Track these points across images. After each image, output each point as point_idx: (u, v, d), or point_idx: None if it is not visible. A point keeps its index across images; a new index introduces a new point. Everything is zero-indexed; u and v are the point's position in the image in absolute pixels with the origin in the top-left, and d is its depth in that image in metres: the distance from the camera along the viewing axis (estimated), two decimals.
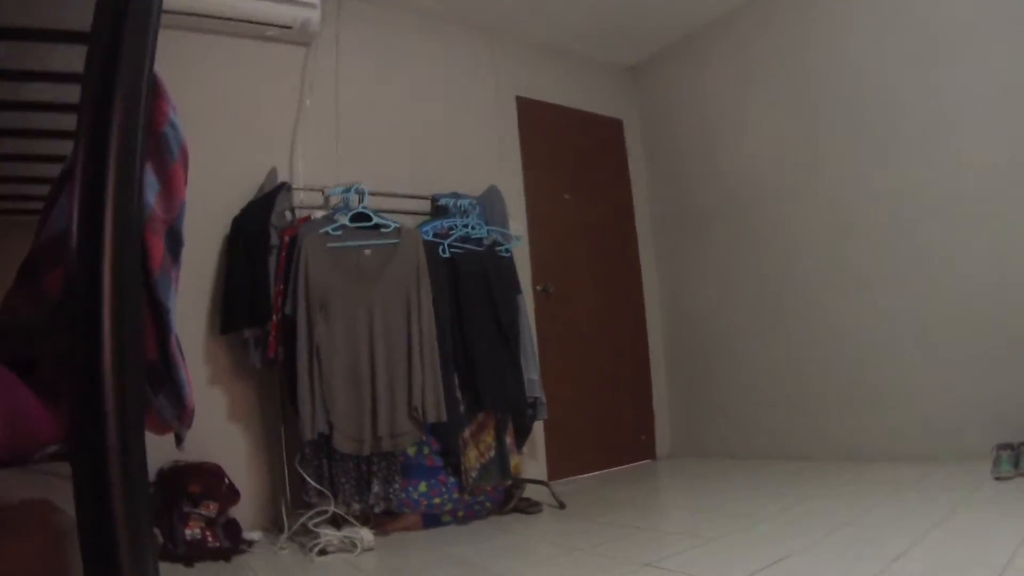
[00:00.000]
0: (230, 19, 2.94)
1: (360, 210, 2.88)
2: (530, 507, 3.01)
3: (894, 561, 1.76)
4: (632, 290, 4.49)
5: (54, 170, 1.29)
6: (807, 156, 3.70)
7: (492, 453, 3.03)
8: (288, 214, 2.93)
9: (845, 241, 3.51)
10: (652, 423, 4.39)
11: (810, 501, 2.67)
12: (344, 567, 2.30)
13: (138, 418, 0.63)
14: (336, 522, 2.62)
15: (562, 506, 3.04)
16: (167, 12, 2.32)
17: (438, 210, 3.30)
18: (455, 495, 2.88)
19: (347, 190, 2.94)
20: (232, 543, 2.45)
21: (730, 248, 4.11)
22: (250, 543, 2.55)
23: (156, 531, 2.25)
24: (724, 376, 4.13)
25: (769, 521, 2.41)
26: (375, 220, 2.88)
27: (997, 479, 2.54)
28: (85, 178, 0.61)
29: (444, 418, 2.76)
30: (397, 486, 2.75)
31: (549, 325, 3.93)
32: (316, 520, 2.57)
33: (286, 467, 2.79)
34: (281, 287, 2.69)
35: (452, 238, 3.10)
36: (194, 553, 2.32)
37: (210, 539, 2.40)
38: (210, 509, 2.45)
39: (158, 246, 0.95)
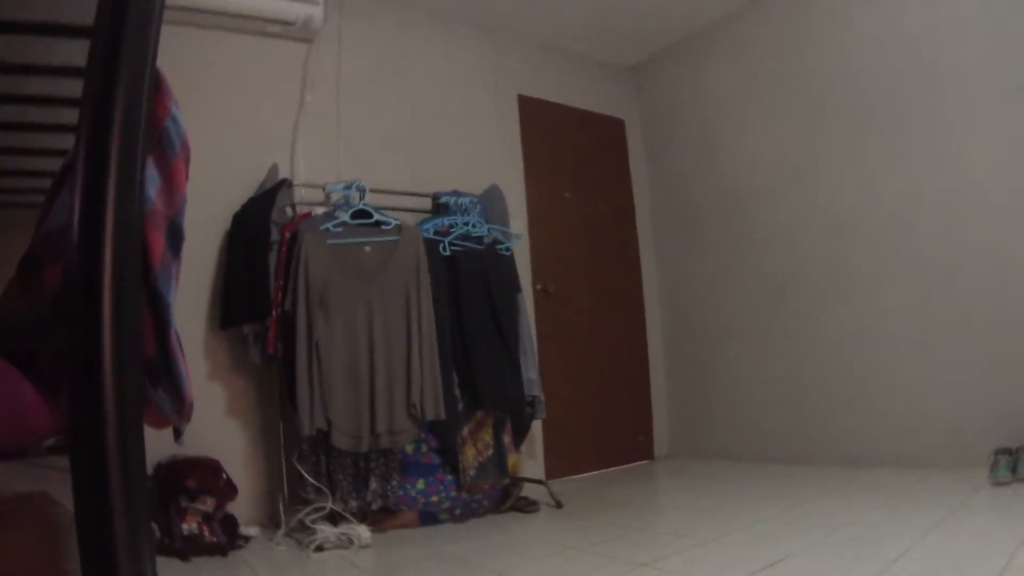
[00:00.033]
0: (232, 15, 2.94)
1: (361, 207, 2.88)
2: (527, 506, 3.02)
3: (893, 562, 1.76)
4: (632, 290, 4.49)
5: (55, 164, 1.29)
6: (807, 157, 3.71)
7: (490, 452, 3.03)
8: (289, 210, 2.93)
9: (845, 243, 3.51)
10: (650, 423, 4.39)
11: (808, 503, 2.67)
12: (341, 564, 2.30)
13: (137, 412, 0.63)
14: (333, 519, 2.62)
15: (559, 505, 3.04)
16: (169, 8, 2.32)
17: (439, 208, 3.30)
18: (452, 493, 2.88)
19: (348, 187, 2.94)
20: (229, 538, 2.45)
21: (730, 249, 4.11)
22: (247, 538, 2.55)
23: (153, 525, 2.25)
24: (723, 377, 4.14)
25: (767, 522, 2.41)
26: (376, 217, 2.88)
27: (995, 484, 2.55)
28: (87, 172, 0.61)
29: (443, 416, 2.76)
30: (395, 483, 2.75)
31: (548, 324, 3.93)
32: (313, 516, 2.57)
33: (284, 463, 2.79)
34: (281, 283, 2.69)
35: (453, 236, 3.10)
36: (191, 548, 2.32)
37: (207, 534, 2.40)
38: (207, 504, 2.45)
39: (159, 241, 0.95)
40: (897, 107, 3.30)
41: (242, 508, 2.71)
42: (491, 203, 3.43)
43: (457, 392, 2.97)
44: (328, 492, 2.63)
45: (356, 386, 2.66)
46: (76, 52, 1.33)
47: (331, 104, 3.35)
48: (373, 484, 2.71)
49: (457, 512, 2.89)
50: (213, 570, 2.23)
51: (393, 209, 3.13)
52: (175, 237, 1.03)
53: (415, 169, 3.50)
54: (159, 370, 1.00)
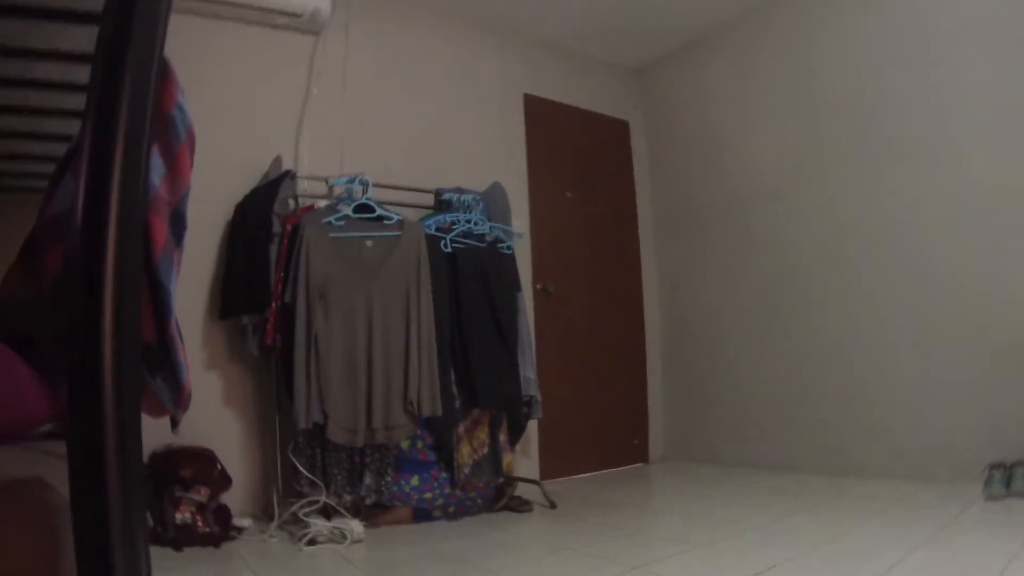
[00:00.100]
0: (241, 6, 2.94)
1: (363, 201, 2.88)
2: (521, 506, 3.02)
3: (884, 574, 1.76)
4: (631, 291, 4.49)
5: (59, 149, 1.29)
6: (808, 159, 3.71)
7: (485, 450, 3.03)
8: (291, 202, 2.93)
9: (845, 249, 3.51)
10: (646, 426, 4.39)
11: (801, 512, 2.68)
12: (333, 558, 2.30)
13: (135, 400, 0.63)
14: (327, 512, 2.62)
15: (553, 506, 3.04)
16: None
17: (441, 204, 3.30)
18: (447, 490, 2.88)
19: (351, 181, 2.94)
20: (222, 529, 2.45)
21: (730, 252, 4.11)
22: (240, 530, 2.55)
23: (146, 514, 2.24)
24: (719, 382, 4.14)
25: (759, 529, 2.41)
26: (378, 212, 2.88)
27: (989, 498, 2.55)
28: (92, 158, 0.61)
29: (439, 412, 2.76)
30: (389, 479, 2.75)
31: (548, 324, 3.93)
32: (307, 510, 2.57)
33: (279, 455, 2.79)
34: (282, 275, 2.69)
35: (454, 233, 3.10)
36: (183, 537, 2.32)
37: (200, 524, 2.40)
38: (201, 494, 2.45)
39: (161, 228, 0.95)
40: (898, 114, 3.30)
41: (236, 499, 2.70)
42: (493, 201, 3.43)
43: (454, 389, 2.97)
44: (322, 486, 2.62)
45: (353, 380, 2.66)
46: (83, 38, 1.33)
47: (336, 97, 3.34)
48: (367, 479, 2.71)
49: (451, 509, 2.89)
50: (205, 561, 2.23)
51: (395, 204, 3.13)
52: (178, 225, 1.02)
53: (418, 165, 3.50)
54: (158, 358, 1.00)
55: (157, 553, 2.20)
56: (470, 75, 3.92)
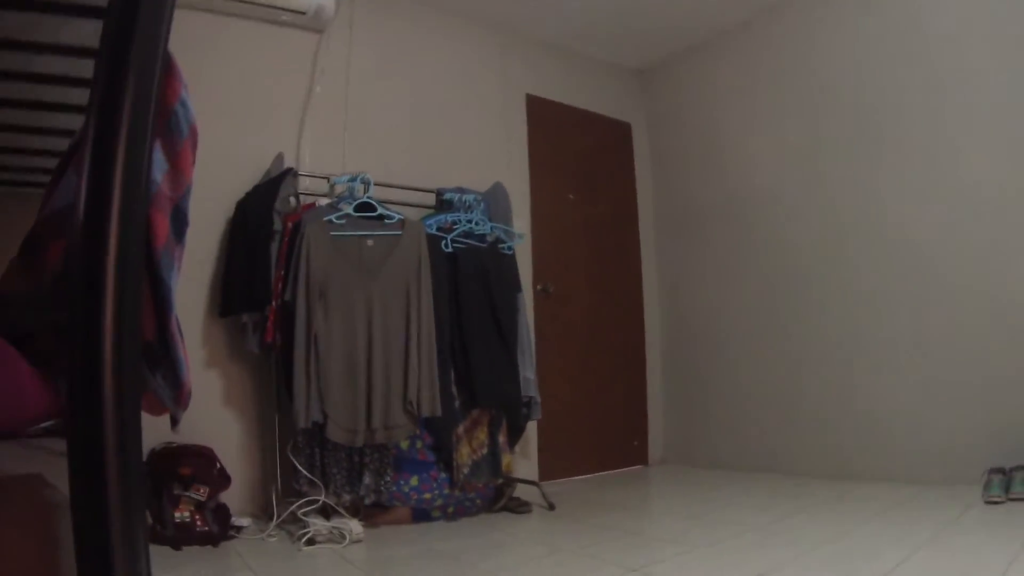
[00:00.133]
0: (245, 2, 2.93)
1: (365, 200, 2.87)
2: (520, 507, 3.01)
3: None
4: (632, 293, 4.48)
5: (61, 144, 1.29)
6: (808, 162, 3.71)
7: (485, 450, 3.03)
8: (292, 200, 2.92)
9: (845, 250, 3.51)
10: (646, 428, 4.39)
11: (800, 514, 2.67)
12: (332, 557, 2.30)
13: (135, 396, 0.62)
14: (326, 512, 2.62)
15: (552, 507, 3.03)
16: None
17: (442, 204, 3.29)
18: (446, 491, 2.88)
19: (353, 179, 2.93)
20: (221, 528, 2.44)
21: (730, 252, 4.11)
22: (239, 529, 2.55)
23: (145, 512, 2.24)
24: (719, 385, 4.13)
25: (757, 532, 2.41)
26: (379, 211, 2.87)
27: (987, 502, 2.54)
28: (94, 153, 0.61)
29: (438, 412, 2.75)
30: (388, 479, 2.74)
31: (548, 325, 3.92)
32: (306, 509, 2.56)
33: (278, 454, 2.79)
34: (282, 273, 2.69)
35: (455, 233, 3.10)
36: (182, 536, 2.32)
37: (199, 523, 2.39)
38: (200, 493, 2.44)
39: (163, 224, 0.95)
40: (898, 110, 3.31)
41: (235, 498, 2.70)
42: (495, 201, 3.42)
43: (454, 389, 2.97)
44: (321, 485, 2.62)
45: (353, 379, 2.65)
46: (86, 31, 1.33)
47: (339, 95, 3.34)
48: (367, 479, 2.71)
49: (450, 510, 2.89)
50: (204, 560, 2.22)
51: (397, 203, 3.12)
52: (179, 222, 1.02)
53: (420, 164, 3.50)
54: (158, 355, 1.00)
55: (156, 552, 2.18)
56: (473, 75, 3.91)
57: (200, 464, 2.50)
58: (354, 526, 2.49)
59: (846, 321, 3.48)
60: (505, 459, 3.12)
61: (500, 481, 3.08)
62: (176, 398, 1.07)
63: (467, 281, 3.06)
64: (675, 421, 4.42)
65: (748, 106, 4.06)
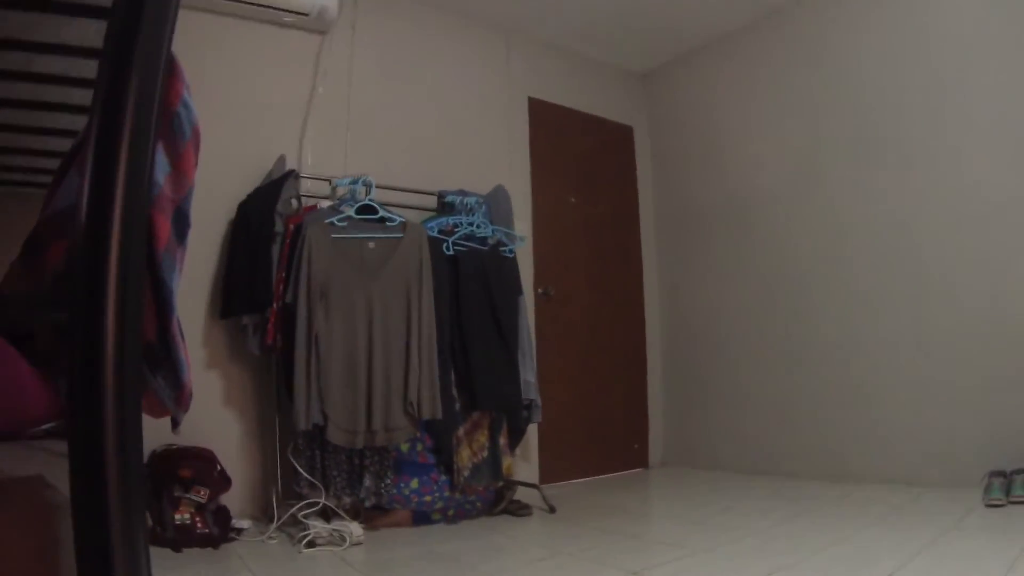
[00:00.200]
0: (248, 3, 2.94)
1: (366, 202, 2.87)
2: (520, 509, 3.01)
3: None
4: (633, 297, 4.48)
5: (63, 144, 1.29)
6: (809, 164, 3.72)
7: (485, 453, 3.03)
8: (294, 202, 2.92)
9: (845, 251, 3.51)
10: (646, 431, 4.38)
11: (800, 517, 2.67)
12: (332, 560, 2.29)
13: (136, 397, 0.62)
14: (326, 514, 2.62)
15: (552, 510, 3.03)
16: None
17: (444, 207, 3.29)
18: (446, 493, 2.87)
19: (354, 182, 2.93)
20: (221, 530, 2.44)
21: (730, 254, 4.11)
22: (239, 531, 2.54)
23: (145, 514, 2.24)
24: (719, 387, 4.13)
25: (758, 535, 2.41)
26: (381, 213, 2.87)
27: (988, 505, 2.54)
28: (97, 153, 0.61)
29: (439, 415, 2.75)
30: (388, 481, 2.74)
31: (548, 328, 3.92)
32: (306, 511, 2.56)
33: (279, 456, 2.78)
34: (283, 275, 2.69)
35: (457, 236, 3.10)
36: (183, 538, 2.31)
37: (199, 525, 2.38)
38: (201, 495, 2.44)
39: (165, 226, 0.95)
40: (898, 111, 3.31)
41: (235, 500, 2.69)
42: (496, 204, 3.42)
43: (454, 392, 2.96)
44: (322, 487, 2.62)
45: (353, 381, 2.65)
46: (88, 32, 1.33)
47: (342, 97, 3.34)
48: (367, 481, 2.71)
49: (450, 513, 2.88)
50: (204, 562, 2.22)
51: (398, 206, 3.13)
52: (181, 223, 1.02)
53: (422, 166, 3.50)
54: (159, 356, 1.00)
55: (156, 554, 2.18)
56: (475, 77, 3.92)
57: (200, 466, 2.50)
58: (354, 528, 2.49)
59: (846, 322, 3.48)
60: (505, 462, 3.11)
61: (500, 484, 3.08)
62: (177, 399, 1.06)
63: (468, 283, 3.06)
64: (675, 423, 4.41)
65: (749, 108, 4.06)
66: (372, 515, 2.75)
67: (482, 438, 3.04)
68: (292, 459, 2.63)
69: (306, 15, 3.09)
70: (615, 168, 4.53)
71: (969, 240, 3.04)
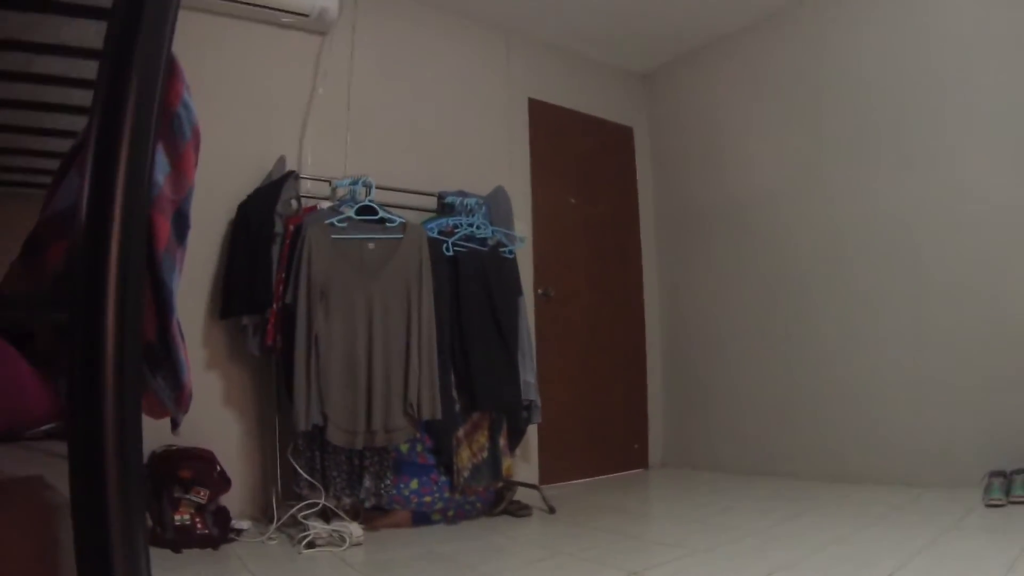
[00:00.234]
0: (248, 3, 2.94)
1: (366, 203, 2.87)
2: (520, 510, 3.01)
3: None
4: (633, 297, 4.48)
5: (63, 145, 1.29)
6: (809, 166, 3.72)
7: (485, 454, 3.02)
8: (294, 203, 2.92)
9: (845, 259, 3.51)
10: (646, 431, 4.38)
11: (800, 517, 2.67)
12: (331, 560, 2.29)
13: (136, 397, 0.62)
14: (326, 515, 2.62)
15: (552, 511, 3.03)
16: None
17: (444, 208, 3.29)
18: (446, 494, 2.87)
19: (354, 182, 2.93)
20: (221, 531, 2.44)
21: (730, 255, 4.11)
22: (239, 532, 2.54)
23: (145, 515, 2.23)
24: (719, 388, 4.13)
25: (758, 535, 2.41)
26: (381, 214, 2.87)
27: (988, 505, 2.54)
28: (97, 154, 0.61)
29: (439, 415, 2.75)
30: (388, 482, 2.74)
31: (548, 328, 3.92)
32: (306, 512, 2.56)
33: (278, 457, 2.78)
34: (283, 276, 2.69)
35: (456, 237, 3.10)
36: (182, 539, 2.31)
37: (199, 526, 2.39)
38: (201, 495, 2.44)
39: (164, 226, 0.95)
40: (898, 111, 3.32)
41: (235, 501, 2.69)
42: (496, 205, 3.42)
43: (454, 393, 2.96)
44: (321, 488, 2.62)
45: (353, 382, 2.65)
46: (88, 32, 1.33)
47: (342, 98, 3.34)
48: (367, 482, 2.70)
49: (450, 513, 2.88)
50: (204, 563, 2.22)
51: (398, 207, 3.13)
52: (181, 224, 1.02)
53: (422, 167, 3.50)
54: (159, 356, 1.00)
55: (156, 554, 2.17)
56: (475, 78, 3.92)
57: (200, 467, 2.50)
58: (354, 529, 2.49)
59: (846, 322, 3.48)
60: (505, 462, 3.11)
61: (500, 484, 3.08)
62: (177, 400, 1.06)
63: (468, 284, 3.06)
64: (675, 424, 4.41)
65: (749, 109, 4.06)
66: (372, 516, 2.75)
67: (482, 439, 3.04)
68: (292, 460, 2.63)
69: (306, 16, 3.09)
70: (615, 169, 4.53)
71: (969, 240, 3.04)
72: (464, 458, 2.93)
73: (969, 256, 3.04)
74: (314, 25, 3.18)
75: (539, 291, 3.93)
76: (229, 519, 2.55)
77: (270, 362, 2.84)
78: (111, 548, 0.57)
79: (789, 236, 3.79)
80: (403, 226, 2.89)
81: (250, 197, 2.88)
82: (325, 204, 2.94)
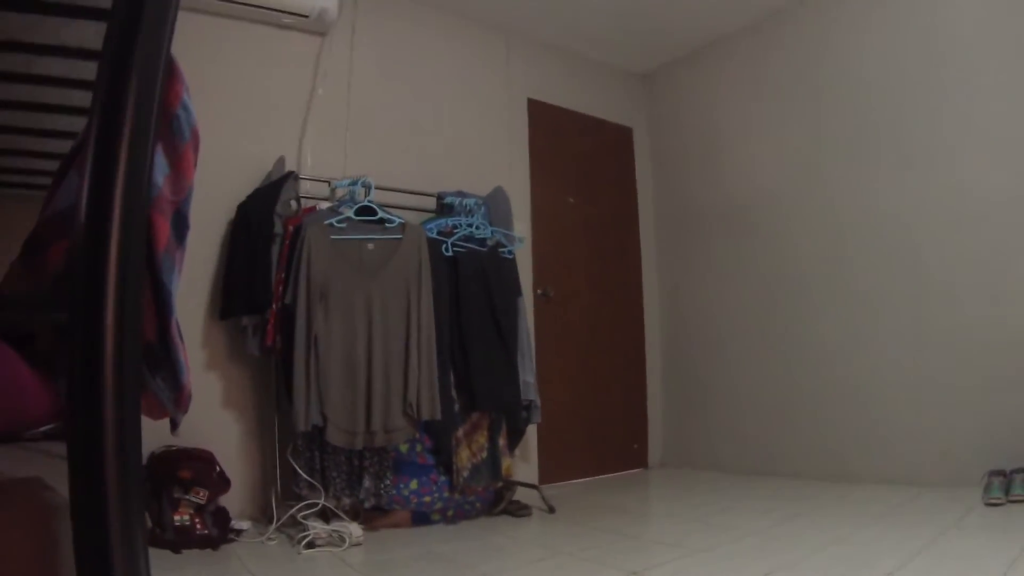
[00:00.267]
0: (248, 4, 2.94)
1: (365, 203, 2.87)
2: (519, 510, 3.01)
3: None
4: (632, 297, 4.48)
5: (63, 146, 1.29)
6: (809, 166, 3.72)
7: (484, 454, 3.03)
8: (293, 203, 2.92)
9: (845, 259, 3.51)
10: (645, 431, 4.38)
11: (799, 517, 2.67)
12: (331, 561, 2.29)
13: (135, 398, 0.62)
14: (325, 515, 2.62)
15: (551, 510, 3.03)
16: None
17: (443, 208, 3.30)
18: (445, 494, 2.87)
19: (354, 183, 2.93)
20: (220, 531, 2.44)
21: (731, 257, 4.11)
22: (238, 532, 2.54)
23: (145, 515, 2.23)
24: (719, 388, 4.13)
25: (757, 535, 2.41)
26: (380, 214, 2.87)
27: (987, 504, 2.54)
28: (96, 155, 0.61)
29: (438, 416, 2.75)
30: (388, 482, 2.74)
31: (548, 328, 3.92)
32: (305, 512, 2.56)
33: (278, 457, 2.78)
34: (283, 276, 2.69)
35: (456, 237, 3.10)
36: (182, 540, 2.31)
37: (199, 526, 2.39)
38: (200, 496, 2.44)
39: (164, 227, 0.95)
40: (898, 111, 3.32)
41: (234, 501, 2.69)
42: (495, 205, 3.42)
43: (454, 393, 2.96)
44: (321, 488, 2.62)
45: (353, 382, 2.65)
46: (87, 33, 1.33)
47: (341, 98, 3.34)
48: (366, 482, 2.71)
49: (449, 513, 2.89)
50: (204, 563, 2.22)
51: (397, 207, 3.13)
52: (180, 225, 1.02)
53: (421, 167, 3.50)
54: (158, 357, 1.00)
55: (155, 555, 2.17)
56: (475, 78, 3.92)
57: (200, 467, 2.50)
58: (354, 529, 2.49)
59: (846, 322, 3.49)
60: (505, 462, 3.11)
61: (500, 484, 3.08)
62: (176, 401, 1.06)
63: (467, 285, 3.06)
64: (675, 423, 4.41)
65: (749, 109, 4.06)
66: (371, 516, 2.75)
67: (481, 439, 3.04)
68: (291, 460, 2.63)
69: (306, 16, 3.09)
70: (614, 169, 4.53)
71: (969, 240, 3.04)
72: (463, 458, 2.93)
73: (969, 256, 3.04)
74: (314, 26, 3.18)
75: (538, 291, 3.93)
76: (229, 519, 2.55)
77: (270, 362, 2.84)
78: (110, 549, 0.57)
79: (789, 236, 3.80)
80: (402, 226, 2.89)
81: (250, 198, 2.88)
82: (324, 205, 2.94)
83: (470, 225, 3.17)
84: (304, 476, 2.62)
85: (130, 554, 0.58)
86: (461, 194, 3.29)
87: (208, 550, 2.33)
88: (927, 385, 3.14)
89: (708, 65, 4.34)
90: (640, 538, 2.62)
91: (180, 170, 0.98)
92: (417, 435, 2.79)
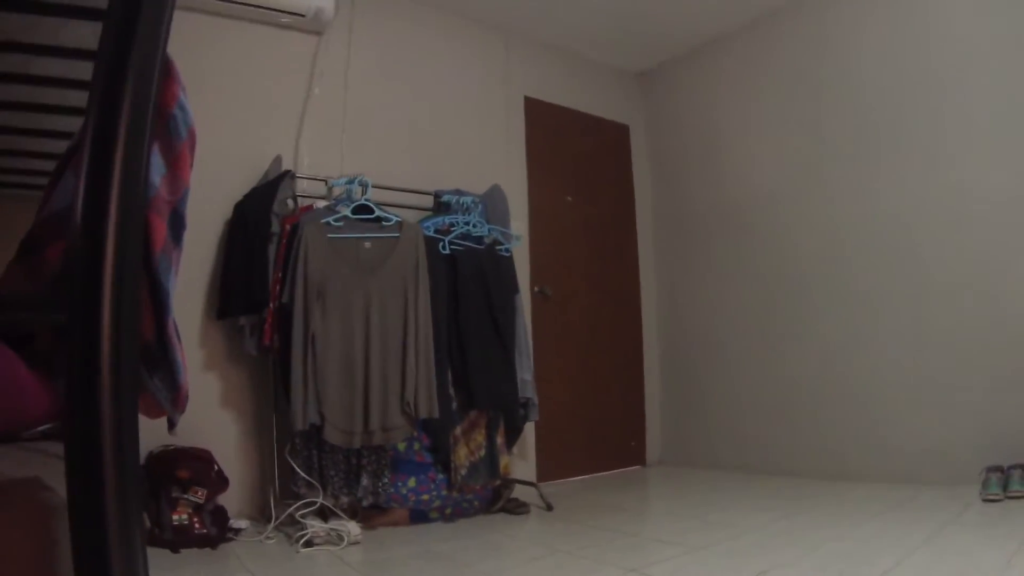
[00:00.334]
0: (244, 4, 2.93)
1: (362, 202, 2.87)
2: (518, 508, 3.01)
3: None
4: (630, 295, 4.49)
5: (59, 146, 1.29)
6: (808, 165, 3.73)
7: (482, 452, 3.03)
8: (290, 202, 2.92)
9: (844, 258, 3.52)
10: (643, 429, 4.39)
11: (798, 515, 2.67)
12: (329, 559, 2.30)
13: (133, 397, 0.62)
14: (323, 514, 2.62)
15: (550, 508, 3.03)
16: None
17: (440, 206, 3.30)
18: (443, 492, 2.88)
19: (350, 181, 2.93)
20: (219, 530, 2.44)
21: (729, 255, 4.11)
22: (237, 531, 2.54)
23: (143, 515, 2.23)
24: (717, 386, 4.13)
25: (755, 533, 2.41)
26: (377, 213, 2.87)
27: (985, 500, 2.55)
28: (93, 155, 0.61)
29: (436, 414, 2.75)
30: (386, 481, 2.74)
31: (546, 326, 3.92)
32: (303, 511, 2.56)
33: (276, 456, 2.78)
34: (280, 275, 2.69)
35: (453, 235, 3.10)
36: (180, 539, 2.31)
37: (197, 526, 2.39)
38: (198, 495, 2.44)
39: (161, 227, 0.95)
40: (898, 111, 3.32)
41: (232, 500, 2.70)
42: (493, 203, 3.42)
43: (451, 391, 2.97)
44: (319, 487, 2.62)
45: (350, 381, 2.65)
46: (84, 34, 1.33)
47: (338, 97, 3.34)
48: (364, 481, 2.71)
49: (447, 511, 2.89)
50: (202, 562, 2.22)
51: (395, 206, 3.13)
52: (177, 225, 1.02)
53: (418, 166, 3.50)
54: (156, 357, 1.00)
55: (154, 554, 2.18)
56: (472, 77, 3.92)
57: (198, 467, 2.50)
58: (352, 528, 2.49)
59: (845, 321, 3.49)
60: (503, 460, 3.12)
61: (498, 482, 3.08)
62: (173, 401, 1.06)
63: (465, 283, 3.06)
64: (673, 422, 4.42)
65: (748, 108, 4.07)
66: (369, 514, 2.75)
67: (479, 437, 3.04)
68: (289, 459, 2.64)
69: (303, 16, 3.08)
70: (612, 168, 4.53)
71: (969, 240, 3.04)
72: (461, 456, 2.93)
73: (969, 256, 3.04)
74: (310, 25, 3.18)
75: (535, 289, 3.93)
76: (227, 519, 2.55)
77: (267, 362, 2.84)
78: (108, 548, 0.57)
79: (789, 236, 3.80)
80: (399, 225, 2.89)
81: (246, 197, 2.88)
82: (321, 203, 2.94)
83: (467, 223, 3.18)
84: (302, 475, 2.62)
85: (128, 554, 0.58)
86: (458, 192, 3.29)
87: (207, 549, 2.34)
88: (927, 385, 3.14)
89: (707, 64, 4.34)
90: (638, 536, 2.62)
91: (177, 170, 0.98)
92: (415, 433, 2.79)
